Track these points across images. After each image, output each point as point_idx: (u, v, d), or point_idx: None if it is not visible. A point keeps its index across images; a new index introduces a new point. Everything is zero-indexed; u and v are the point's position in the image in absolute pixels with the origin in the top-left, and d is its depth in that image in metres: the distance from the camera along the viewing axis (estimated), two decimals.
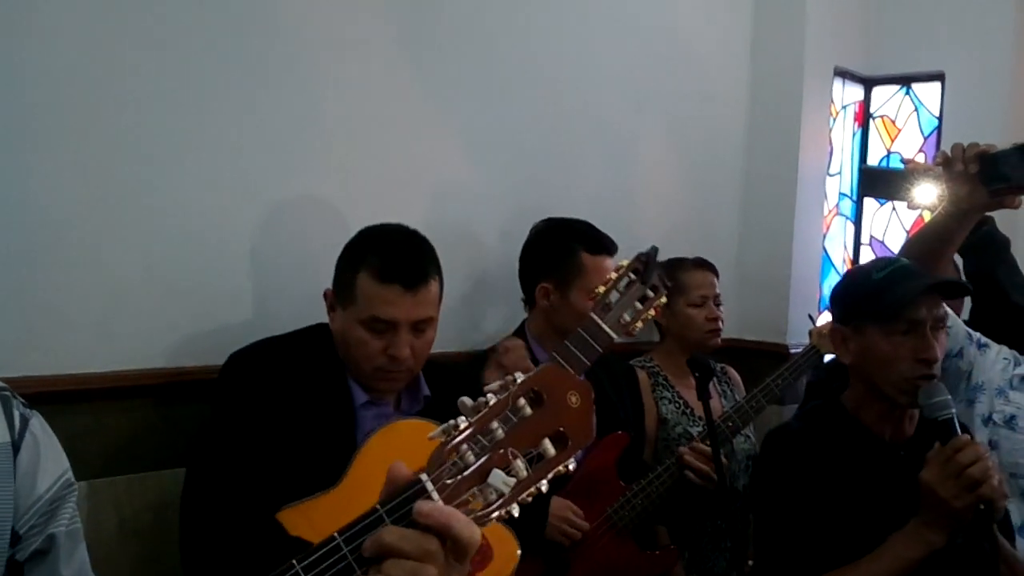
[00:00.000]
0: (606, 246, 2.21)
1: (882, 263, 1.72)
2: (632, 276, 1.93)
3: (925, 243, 1.91)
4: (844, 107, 3.52)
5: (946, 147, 3.26)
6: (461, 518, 0.81)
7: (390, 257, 1.60)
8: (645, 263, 1.93)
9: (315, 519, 1.44)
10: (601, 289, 1.92)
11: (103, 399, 1.76)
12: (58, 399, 1.63)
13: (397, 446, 1.48)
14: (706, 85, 3.08)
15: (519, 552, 1.54)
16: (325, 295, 1.70)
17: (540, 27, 2.54)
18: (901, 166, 1.93)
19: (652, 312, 1.95)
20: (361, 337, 1.60)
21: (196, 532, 1.59)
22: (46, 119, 1.66)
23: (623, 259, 1.98)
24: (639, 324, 1.93)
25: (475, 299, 2.42)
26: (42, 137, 1.66)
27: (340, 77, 2.09)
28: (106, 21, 1.72)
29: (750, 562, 2.46)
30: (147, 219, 1.81)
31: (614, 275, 1.94)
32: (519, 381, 0.87)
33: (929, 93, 3.48)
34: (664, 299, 1.96)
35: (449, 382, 1.74)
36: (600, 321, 1.88)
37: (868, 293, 1.65)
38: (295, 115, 2.01)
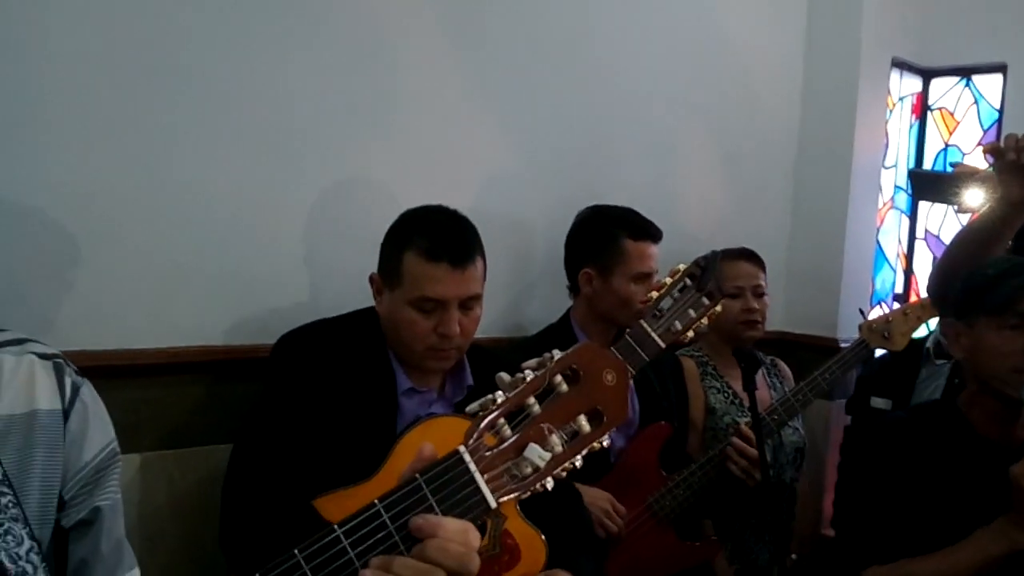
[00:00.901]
0: (650, 232, 2.20)
1: (999, 260, 1.75)
2: (688, 282, 1.91)
3: (975, 239, 1.88)
4: (901, 99, 3.46)
5: None
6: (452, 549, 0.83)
7: (436, 237, 1.61)
8: (704, 268, 1.91)
9: (350, 508, 1.46)
10: (654, 295, 1.91)
11: (156, 375, 1.81)
12: (112, 373, 1.68)
13: (435, 440, 1.49)
14: (757, 76, 3.04)
15: (546, 554, 1.55)
16: (371, 279, 1.71)
17: (589, 19, 2.53)
18: (951, 170, 1.89)
19: (705, 321, 1.93)
20: (410, 318, 1.62)
21: (234, 510, 1.62)
22: (106, 111, 1.71)
23: (672, 254, 1.97)
24: (690, 333, 1.92)
25: (520, 286, 2.44)
26: (100, 127, 1.70)
27: (394, 65, 2.11)
28: (155, 10, 1.76)
29: (793, 556, 2.45)
30: (202, 202, 1.84)
31: (669, 280, 1.92)
32: (556, 358, 0.89)
33: (990, 85, 3.39)
34: (719, 308, 1.94)
35: (494, 371, 1.74)
36: (649, 329, 1.87)
37: (980, 287, 1.69)
38: (347, 101, 2.04)
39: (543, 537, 1.55)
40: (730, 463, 2.18)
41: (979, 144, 3.41)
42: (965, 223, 2.04)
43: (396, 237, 1.67)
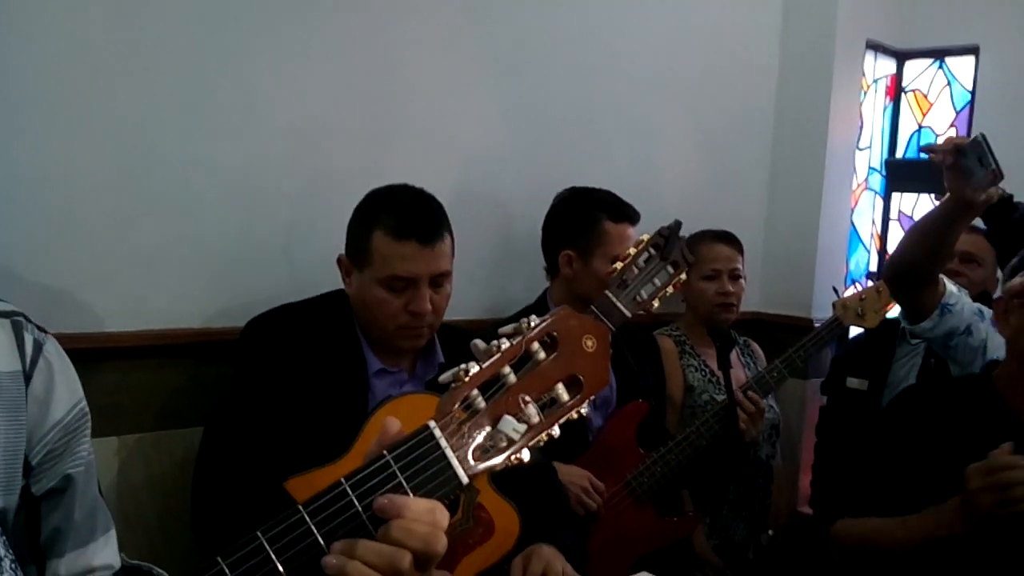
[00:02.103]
0: (629, 215, 2.21)
1: None
2: (652, 251, 1.91)
3: (930, 230, 1.90)
4: (875, 81, 3.47)
5: (978, 122, 3.24)
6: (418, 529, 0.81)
7: (403, 215, 1.61)
8: (666, 238, 1.91)
9: (320, 489, 1.45)
10: (619, 265, 1.91)
11: (134, 357, 1.80)
12: (90, 356, 1.66)
13: (405, 417, 1.48)
14: (734, 58, 3.05)
15: (520, 526, 1.55)
16: (339, 261, 1.71)
17: (567, 1, 2.53)
18: (924, 156, 1.92)
19: (671, 289, 1.93)
20: (381, 297, 1.62)
21: (205, 493, 1.62)
22: (83, 96, 1.69)
23: (648, 234, 1.97)
24: (656, 302, 1.92)
25: (498, 267, 2.44)
26: (77, 112, 1.69)
27: (372, 48, 2.10)
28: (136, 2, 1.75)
29: (769, 532, 2.48)
30: (180, 186, 1.83)
31: (633, 251, 1.92)
32: (533, 325, 0.87)
33: (962, 67, 3.42)
34: (684, 276, 1.94)
35: (464, 348, 1.74)
36: (614, 299, 1.87)
37: None
38: (322, 86, 2.02)
39: (517, 510, 1.55)
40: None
41: (952, 125, 3.44)
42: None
43: (363, 217, 1.67)
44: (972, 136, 1.77)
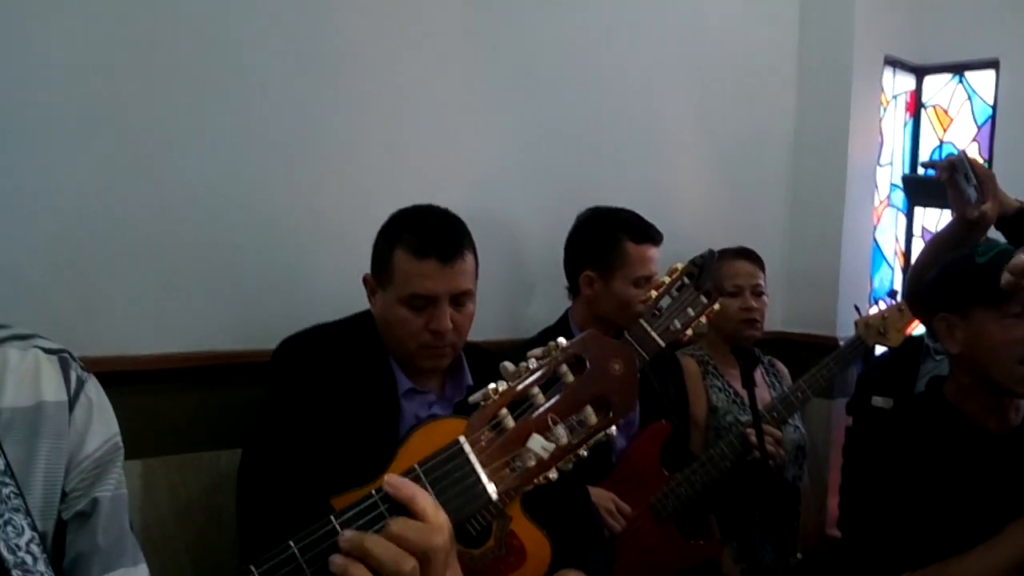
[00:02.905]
0: (651, 235, 2.20)
1: (981, 248, 1.66)
2: (686, 281, 1.91)
3: (937, 255, 1.90)
4: (895, 97, 3.47)
5: (1000, 136, 3.22)
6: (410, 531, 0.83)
7: (424, 233, 1.62)
8: (700, 267, 1.92)
9: None
10: (653, 294, 1.91)
11: (157, 380, 1.80)
12: (114, 380, 1.65)
13: (438, 442, 1.48)
14: (752, 76, 3.05)
15: (551, 553, 1.54)
16: (365, 280, 1.72)
17: (584, 21, 2.54)
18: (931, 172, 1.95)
19: (704, 319, 1.93)
20: (402, 316, 1.62)
21: (251, 513, 1.61)
22: (107, 114, 1.71)
23: (670, 255, 1.98)
24: (689, 332, 1.92)
25: (517, 288, 2.44)
26: (100, 130, 1.71)
27: (386, 68, 2.11)
28: (159, 12, 1.77)
29: (798, 555, 2.45)
30: (203, 206, 1.85)
31: (667, 279, 1.93)
32: (562, 347, 0.88)
33: (983, 81, 3.41)
34: (717, 306, 1.94)
35: (492, 370, 1.74)
36: (648, 328, 1.88)
37: (975, 276, 1.59)
38: (341, 108, 2.04)
39: (549, 538, 1.55)
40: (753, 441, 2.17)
41: (973, 140, 3.42)
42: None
43: (386, 236, 1.68)
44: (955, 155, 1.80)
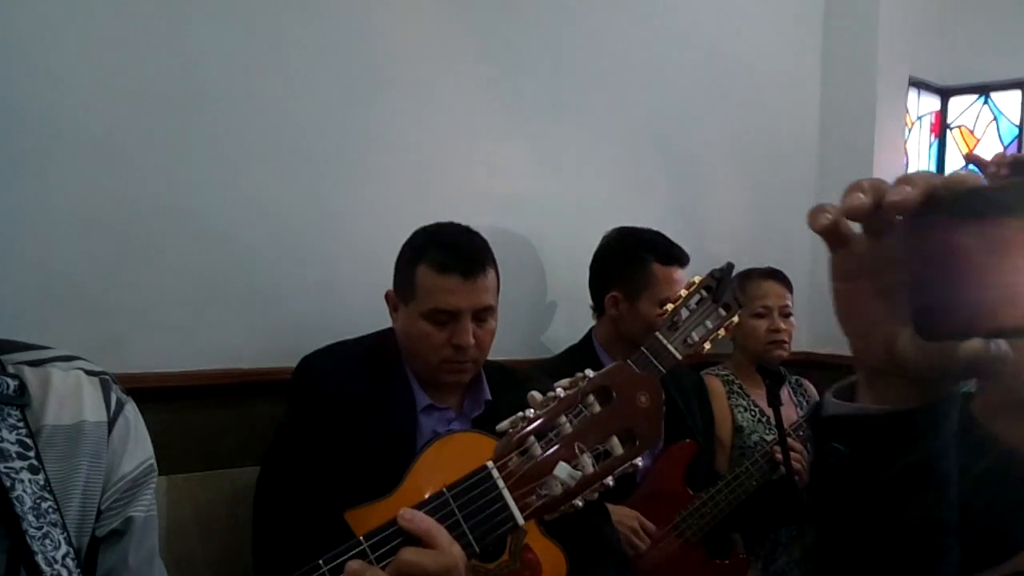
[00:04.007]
0: (677, 257, 2.19)
1: None
2: (704, 293, 1.90)
3: None
4: (919, 118, 3.45)
5: None
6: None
7: (447, 249, 1.64)
8: (718, 280, 1.91)
9: (371, 522, 1.46)
10: (670, 307, 1.90)
11: (182, 398, 1.82)
12: (138, 397, 1.68)
13: (452, 456, 1.51)
14: (777, 98, 3.05)
15: (567, 567, 1.55)
16: (387, 297, 1.74)
17: (613, 46, 2.55)
18: None
19: (722, 332, 1.92)
20: (424, 331, 1.64)
21: (266, 531, 1.63)
22: (133, 133, 1.74)
23: (696, 275, 1.97)
24: (707, 345, 1.91)
25: (541, 307, 2.44)
26: (125, 150, 1.73)
27: (412, 88, 2.13)
28: (185, 36, 1.79)
29: None
30: (228, 225, 1.87)
31: (684, 292, 1.92)
32: (589, 378, 0.89)
33: (1009, 101, 3.39)
34: (736, 319, 1.93)
35: (510, 386, 1.76)
36: (665, 340, 1.87)
37: None
38: (369, 127, 2.06)
39: (565, 553, 1.54)
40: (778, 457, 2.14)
41: None
42: None
43: (409, 252, 1.70)
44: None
